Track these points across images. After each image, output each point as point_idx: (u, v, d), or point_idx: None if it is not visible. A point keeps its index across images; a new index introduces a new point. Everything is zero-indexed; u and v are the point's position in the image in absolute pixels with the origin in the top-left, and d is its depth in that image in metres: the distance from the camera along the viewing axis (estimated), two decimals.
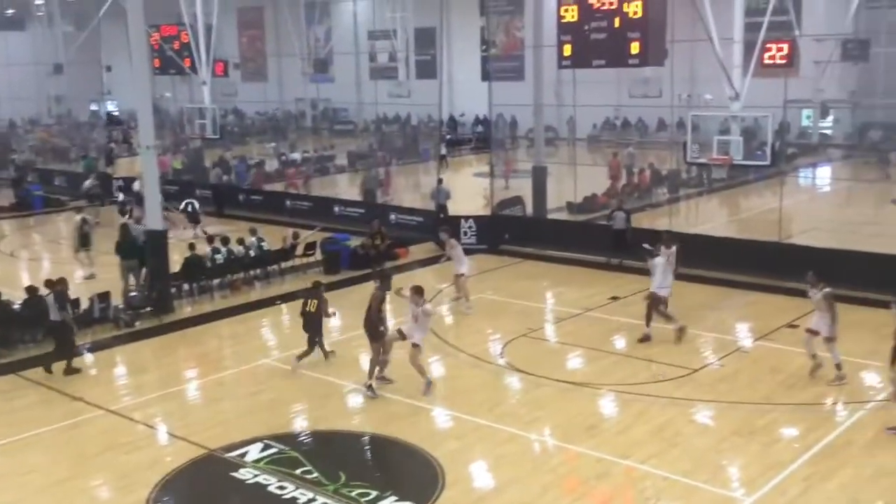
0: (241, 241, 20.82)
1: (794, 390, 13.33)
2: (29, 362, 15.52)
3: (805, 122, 40.55)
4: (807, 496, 10.28)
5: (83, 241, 21.57)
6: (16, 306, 16.71)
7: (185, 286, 19.49)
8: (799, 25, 27.22)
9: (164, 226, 19.00)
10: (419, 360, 13.61)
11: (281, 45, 45.92)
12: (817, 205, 30.26)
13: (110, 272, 19.82)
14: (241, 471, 11.25)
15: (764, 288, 18.53)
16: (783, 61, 19.46)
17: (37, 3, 48.77)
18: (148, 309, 18.11)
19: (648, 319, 15.72)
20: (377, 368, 13.76)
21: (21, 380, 14.84)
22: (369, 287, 15.17)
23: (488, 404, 13.20)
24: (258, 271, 20.88)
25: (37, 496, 10.94)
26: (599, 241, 21.68)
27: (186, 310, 18.81)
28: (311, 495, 10.53)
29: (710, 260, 18.83)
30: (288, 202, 29.55)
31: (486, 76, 37.59)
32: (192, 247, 20.20)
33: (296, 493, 10.59)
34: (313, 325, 15.01)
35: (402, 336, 13.66)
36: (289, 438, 12.22)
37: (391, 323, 14.73)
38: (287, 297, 19.46)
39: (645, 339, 15.65)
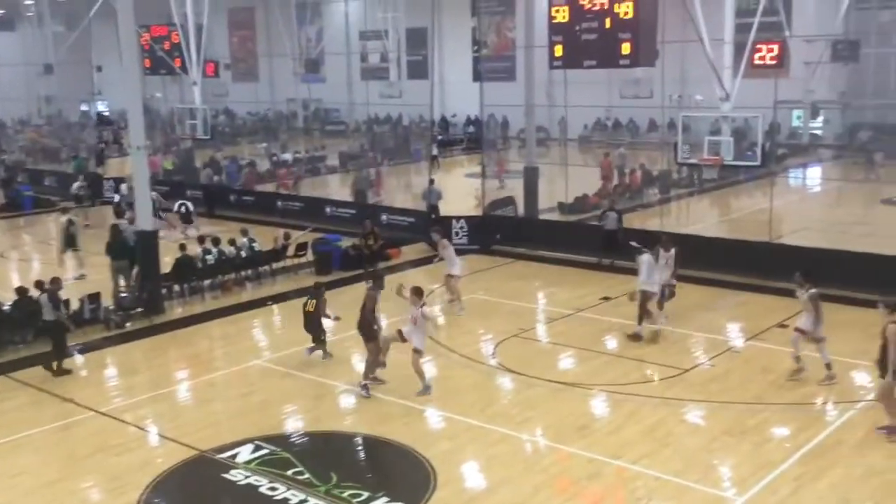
0: (232, 242, 20.78)
1: (785, 390, 13.38)
2: (19, 363, 15.46)
3: (795, 123, 40.72)
4: (797, 496, 10.31)
5: (70, 241, 21.54)
6: (6, 307, 16.64)
7: (176, 287, 19.44)
8: (789, 26, 27.32)
9: (159, 226, 18.96)
10: (420, 365, 13.60)
11: (272, 46, 45.86)
12: (807, 205, 30.38)
13: (101, 273, 19.76)
14: (233, 472, 11.22)
15: (754, 288, 18.59)
16: (773, 62, 19.49)
17: (26, 3, 48.64)
18: (138, 310, 18.06)
19: (640, 318, 15.76)
20: (373, 368, 13.74)
21: (11, 381, 14.77)
22: (361, 287, 15.19)
23: (480, 405, 13.20)
24: (249, 272, 20.84)
25: (27, 498, 10.89)
26: (591, 241, 21.71)
27: (177, 311, 18.76)
28: (302, 496, 10.52)
29: (701, 260, 18.87)
30: (279, 203, 29.51)
31: (477, 76, 37.57)
32: (182, 247, 20.16)
33: (287, 495, 10.57)
34: (312, 324, 15.11)
35: (401, 337, 13.64)
36: (280, 439, 12.20)
37: (384, 323, 14.72)
38: (278, 298, 19.45)
39: (636, 337, 15.68)
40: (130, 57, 18.75)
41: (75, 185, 29.07)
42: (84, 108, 51.20)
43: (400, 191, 33.16)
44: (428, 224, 23.09)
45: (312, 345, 15.28)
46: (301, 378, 14.56)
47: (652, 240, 17.17)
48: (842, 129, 39.72)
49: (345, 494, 10.52)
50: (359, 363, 14.72)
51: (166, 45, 28.35)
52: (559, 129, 42.56)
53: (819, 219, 26.19)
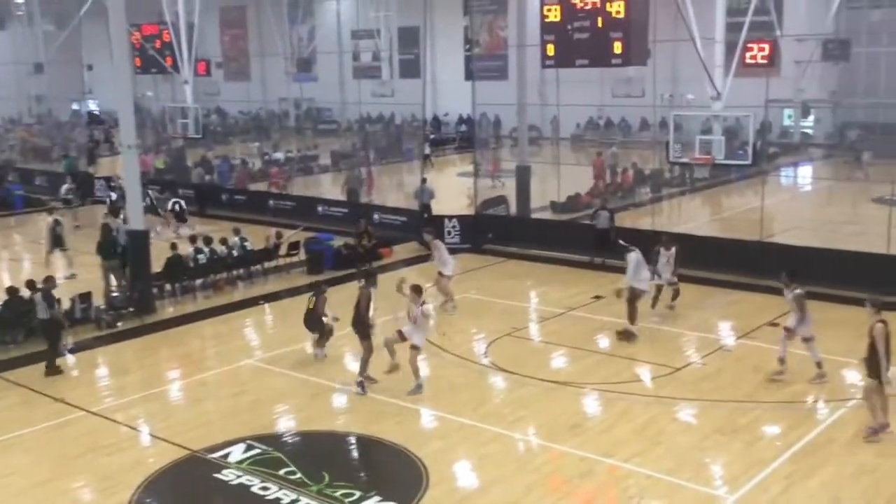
0: (224, 241, 20.73)
1: (776, 388, 13.42)
2: (10, 364, 15.39)
3: (786, 122, 40.89)
4: (788, 494, 10.35)
5: (56, 242, 21.48)
6: None
7: (168, 286, 19.40)
8: (780, 25, 27.41)
9: (159, 221, 18.87)
10: (417, 363, 13.59)
11: (264, 45, 45.76)
12: (798, 204, 30.47)
13: (92, 272, 19.70)
14: (225, 472, 11.21)
15: (746, 287, 18.64)
16: (764, 61, 19.52)
17: (17, 1, 48.43)
18: (130, 309, 18.00)
19: (631, 317, 15.78)
20: (368, 365, 13.73)
21: (2, 381, 14.70)
22: (354, 286, 15.18)
23: (472, 404, 13.21)
24: (241, 271, 20.80)
25: (18, 498, 10.86)
26: (583, 240, 21.74)
27: (169, 310, 18.71)
28: (294, 496, 10.51)
29: (693, 259, 18.91)
30: (271, 202, 29.46)
31: (469, 75, 37.62)
32: (173, 246, 20.11)
33: (279, 494, 10.56)
34: (312, 321, 15.11)
35: (401, 338, 13.62)
36: (272, 439, 12.19)
37: (380, 321, 14.70)
38: (270, 298, 19.42)
39: (627, 335, 15.70)
40: (121, 56, 18.69)
41: (63, 187, 28.96)
42: (75, 107, 51.05)
43: (392, 190, 33.13)
44: (420, 223, 23.08)
45: (316, 343, 15.26)
46: (293, 377, 14.55)
47: (644, 239, 17.19)
48: (832, 128, 39.88)
49: (337, 494, 10.51)
50: (352, 363, 14.73)
51: (157, 44, 28.25)
52: (551, 128, 42.68)
53: (810, 218, 26.28)
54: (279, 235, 21.51)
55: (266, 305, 19.00)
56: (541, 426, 12.38)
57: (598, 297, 18.28)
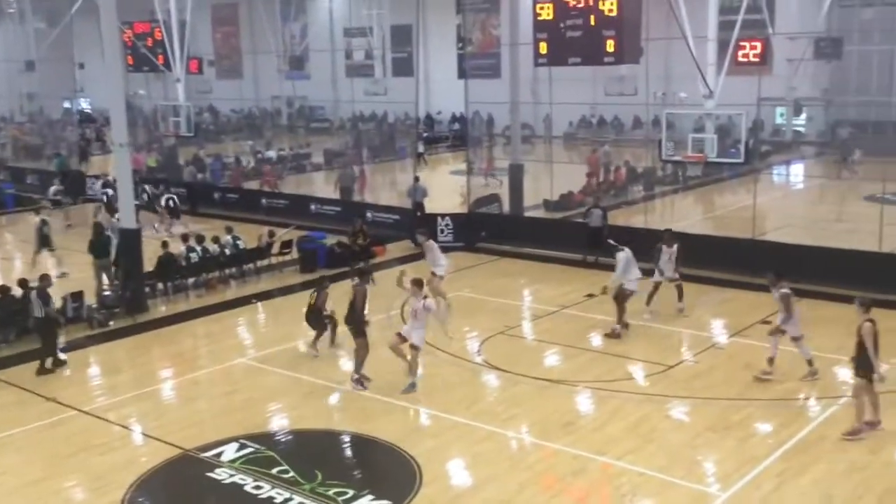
0: (216, 240, 20.69)
1: (768, 386, 13.44)
2: (1, 363, 15.33)
3: (779, 120, 40.95)
4: (780, 491, 10.38)
5: (43, 242, 21.41)
6: None
7: (160, 285, 19.35)
8: (772, 24, 27.42)
9: (155, 218, 18.80)
10: (417, 362, 13.56)
11: (256, 42, 45.60)
12: (790, 202, 30.53)
13: (83, 271, 19.64)
14: (217, 471, 11.19)
15: (738, 284, 18.67)
16: (757, 59, 19.56)
17: None
18: (122, 308, 17.94)
19: (620, 316, 15.80)
20: (363, 363, 13.74)
21: None
22: (347, 284, 15.17)
23: (465, 402, 13.21)
24: (234, 270, 20.78)
25: (10, 497, 10.83)
26: (576, 238, 21.76)
27: (161, 309, 18.67)
28: (287, 495, 10.50)
29: (685, 257, 18.93)
30: (264, 200, 29.41)
31: (462, 74, 37.66)
32: (165, 245, 20.07)
33: (272, 493, 10.56)
34: (313, 316, 15.15)
35: (401, 339, 13.60)
36: (265, 438, 12.17)
37: (374, 319, 14.68)
38: (263, 296, 19.40)
39: (613, 334, 15.71)
40: (113, 54, 18.64)
41: (52, 188, 28.86)
42: (66, 105, 50.76)
43: (385, 188, 33.09)
44: (413, 221, 23.05)
45: (312, 342, 15.26)
46: (286, 376, 14.53)
47: (637, 237, 17.21)
48: (825, 127, 39.96)
49: (330, 492, 10.51)
50: (346, 361, 14.72)
51: (149, 42, 28.17)
52: (544, 126, 42.68)
53: (802, 215, 26.32)
54: (272, 234, 21.48)
55: (259, 304, 18.98)
56: (534, 424, 12.39)
57: (590, 296, 18.28)
